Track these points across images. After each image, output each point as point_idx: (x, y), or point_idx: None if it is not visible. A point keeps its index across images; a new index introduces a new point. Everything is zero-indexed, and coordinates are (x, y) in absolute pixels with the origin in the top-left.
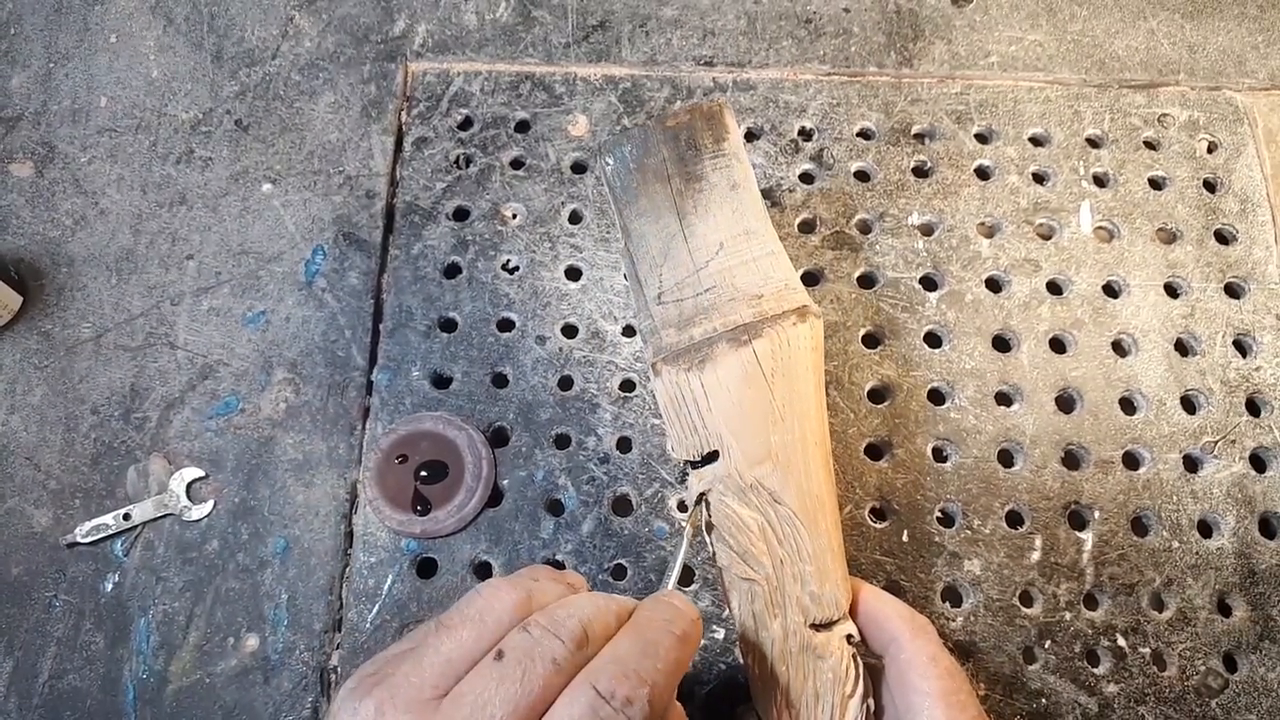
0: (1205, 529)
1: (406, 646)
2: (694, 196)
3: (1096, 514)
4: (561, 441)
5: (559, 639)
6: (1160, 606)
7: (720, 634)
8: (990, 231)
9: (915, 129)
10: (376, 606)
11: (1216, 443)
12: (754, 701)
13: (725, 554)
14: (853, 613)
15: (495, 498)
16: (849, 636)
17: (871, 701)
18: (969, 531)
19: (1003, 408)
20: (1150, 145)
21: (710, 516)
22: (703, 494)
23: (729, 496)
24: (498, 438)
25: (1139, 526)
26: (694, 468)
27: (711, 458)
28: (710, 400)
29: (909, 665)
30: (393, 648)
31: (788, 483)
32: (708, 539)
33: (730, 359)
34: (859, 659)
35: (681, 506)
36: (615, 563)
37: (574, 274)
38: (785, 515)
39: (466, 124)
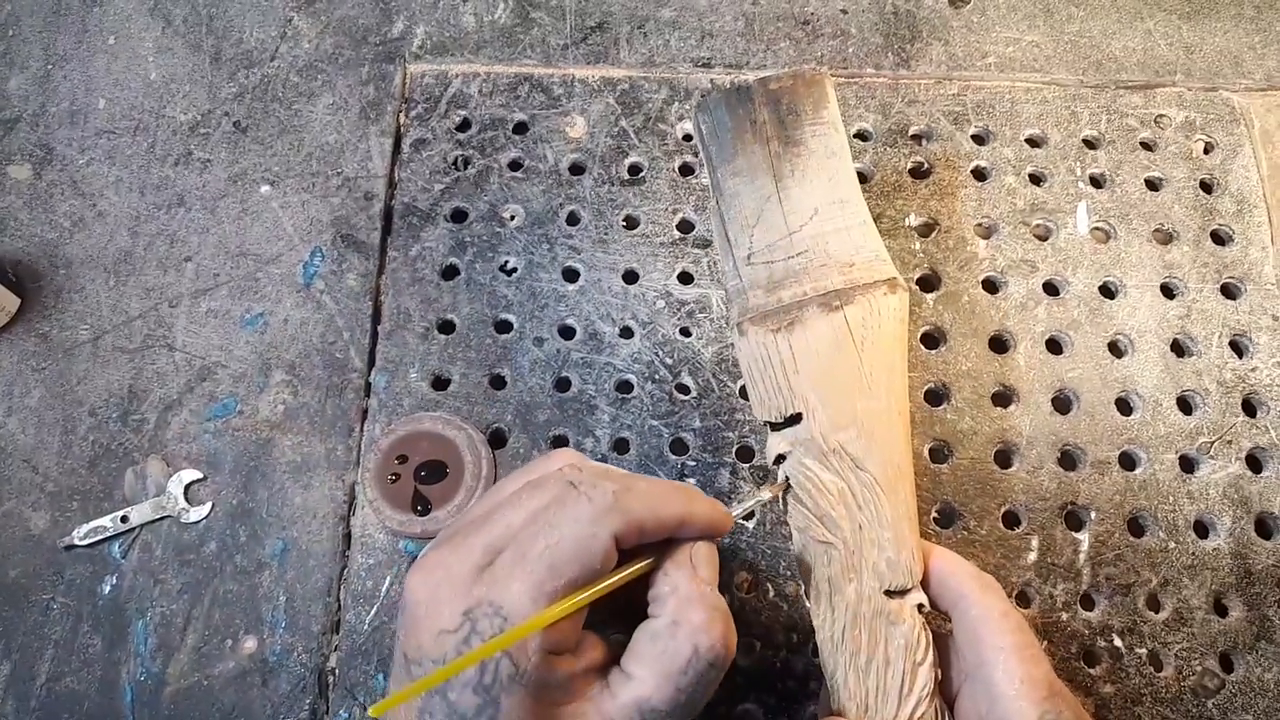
0: (1201, 529)
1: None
2: (792, 160)
3: (1093, 514)
4: (559, 443)
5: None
6: (1157, 607)
7: None
8: (987, 232)
9: (912, 130)
10: (375, 608)
11: (1213, 443)
12: (822, 666)
13: (801, 516)
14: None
15: None
16: (919, 605)
17: (938, 670)
18: (965, 532)
19: (999, 408)
20: (1147, 146)
21: (788, 478)
22: (781, 455)
23: (810, 459)
24: (496, 439)
25: (1135, 527)
26: (774, 429)
27: (794, 420)
28: (798, 362)
29: (980, 621)
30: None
31: (871, 450)
32: (783, 500)
33: (820, 323)
34: (928, 627)
35: None
36: None
37: (572, 275)
38: (867, 481)
39: (465, 125)
